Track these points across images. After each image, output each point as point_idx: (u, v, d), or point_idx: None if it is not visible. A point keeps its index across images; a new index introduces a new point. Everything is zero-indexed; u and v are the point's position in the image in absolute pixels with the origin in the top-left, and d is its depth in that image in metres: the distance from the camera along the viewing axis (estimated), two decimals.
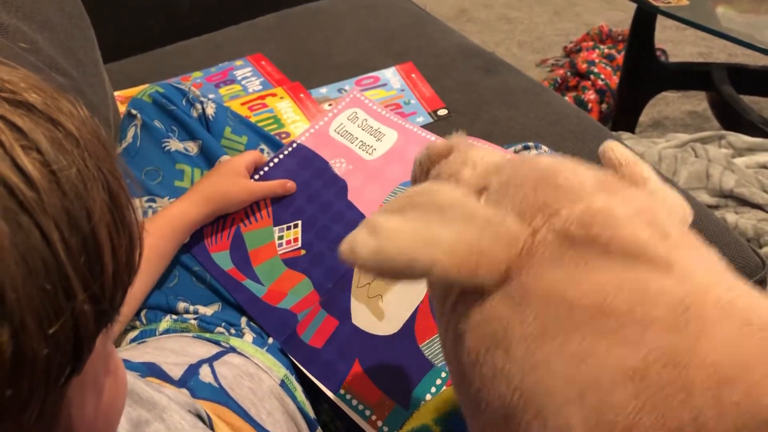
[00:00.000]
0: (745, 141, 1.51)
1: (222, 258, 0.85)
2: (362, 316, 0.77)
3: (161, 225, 0.79)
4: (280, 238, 0.87)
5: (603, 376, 0.37)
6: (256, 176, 0.90)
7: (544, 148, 0.83)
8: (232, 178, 0.84)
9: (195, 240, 0.85)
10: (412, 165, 0.90)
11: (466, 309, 0.44)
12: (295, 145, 0.93)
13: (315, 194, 0.89)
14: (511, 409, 0.40)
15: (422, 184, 0.47)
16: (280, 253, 0.86)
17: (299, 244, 0.86)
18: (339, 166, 0.91)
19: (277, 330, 0.80)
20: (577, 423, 0.36)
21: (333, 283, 0.81)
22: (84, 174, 0.30)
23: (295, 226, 0.87)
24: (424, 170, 0.57)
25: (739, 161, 1.46)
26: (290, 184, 0.88)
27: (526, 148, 0.84)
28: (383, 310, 0.77)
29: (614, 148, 0.51)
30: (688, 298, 0.37)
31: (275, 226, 0.87)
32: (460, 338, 0.45)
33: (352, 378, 0.74)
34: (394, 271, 0.43)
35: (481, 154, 0.53)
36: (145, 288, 0.79)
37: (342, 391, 0.73)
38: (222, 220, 0.87)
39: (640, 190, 0.47)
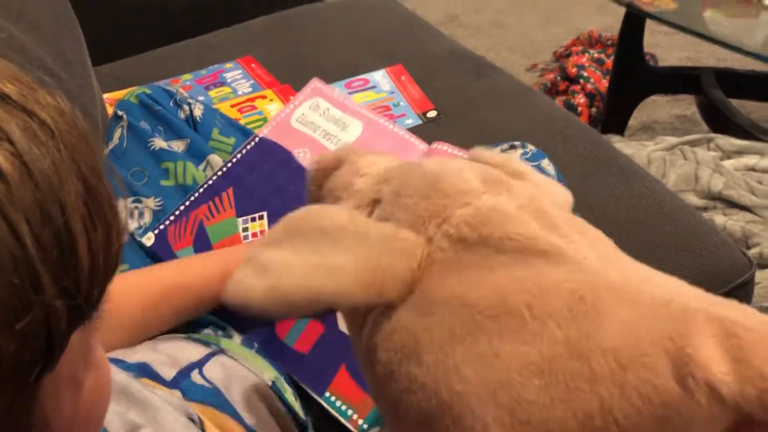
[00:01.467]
0: (733, 144, 1.52)
1: (186, 254, 0.84)
2: None
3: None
4: (245, 230, 0.85)
5: (512, 374, 0.38)
6: (219, 172, 0.88)
7: (530, 147, 0.84)
8: None
9: (159, 240, 0.84)
10: None
11: (374, 324, 0.45)
12: (257, 139, 0.92)
13: (280, 186, 0.88)
14: (429, 416, 0.41)
15: (302, 209, 0.47)
16: None
17: None
18: (303, 156, 0.90)
19: (252, 329, 0.79)
20: (493, 422, 0.38)
21: None
22: (58, 165, 0.29)
23: (261, 217, 0.86)
24: (317, 184, 0.56)
25: (728, 164, 1.46)
26: None
27: (513, 147, 0.84)
28: None
29: (480, 154, 0.52)
30: (582, 288, 0.39)
31: (239, 217, 0.86)
32: (372, 352, 0.45)
33: (338, 381, 0.75)
34: (294, 307, 0.44)
35: (370, 161, 0.53)
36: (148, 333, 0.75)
37: (327, 394, 0.74)
38: (185, 217, 0.86)
39: (524, 182, 0.48)
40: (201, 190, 0.87)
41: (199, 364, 0.68)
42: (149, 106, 0.89)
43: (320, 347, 0.77)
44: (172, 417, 0.53)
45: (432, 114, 1.18)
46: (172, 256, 0.84)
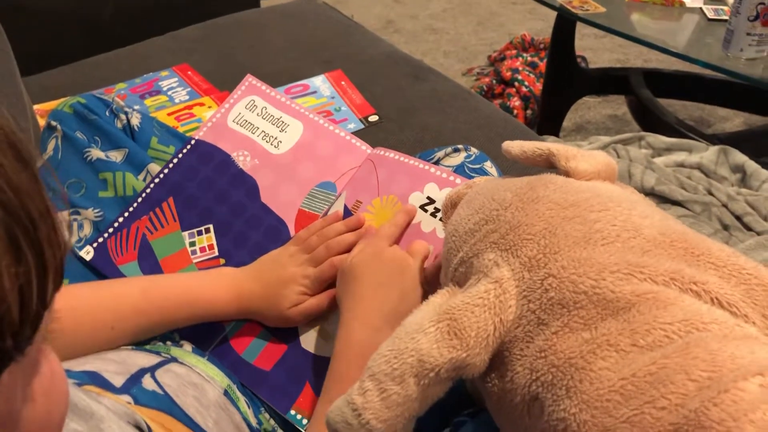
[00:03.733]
0: (663, 141, 1.58)
1: (131, 269, 0.81)
2: (311, 339, 0.77)
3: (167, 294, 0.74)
4: (192, 244, 0.83)
5: None
6: (156, 180, 0.86)
7: (473, 149, 0.85)
8: (274, 300, 0.76)
9: (98, 254, 0.82)
10: (324, 163, 0.88)
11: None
12: (193, 142, 0.90)
13: (223, 193, 0.86)
14: None
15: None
16: (195, 261, 0.82)
17: (216, 251, 0.83)
18: (243, 160, 0.88)
19: (202, 341, 0.78)
20: None
21: None
22: None
23: (207, 231, 0.84)
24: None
25: (659, 160, 1.51)
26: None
27: (456, 150, 0.85)
28: (329, 332, 0.77)
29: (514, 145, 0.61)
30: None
31: (184, 230, 0.84)
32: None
33: (302, 399, 0.74)
34: None
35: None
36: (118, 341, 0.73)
37: (293, 412, 0.74)
38: (125, 229, 0.83)
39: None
40: (139, 199, 0.85)
41: (151, 369, 0.66)
42: (84, 116, 0.86)
43: (283, 365, 0.76)
44: (117, 426, 0.51)
45: (373, 118, 1.18)
46: (114, 270, 0.81)
